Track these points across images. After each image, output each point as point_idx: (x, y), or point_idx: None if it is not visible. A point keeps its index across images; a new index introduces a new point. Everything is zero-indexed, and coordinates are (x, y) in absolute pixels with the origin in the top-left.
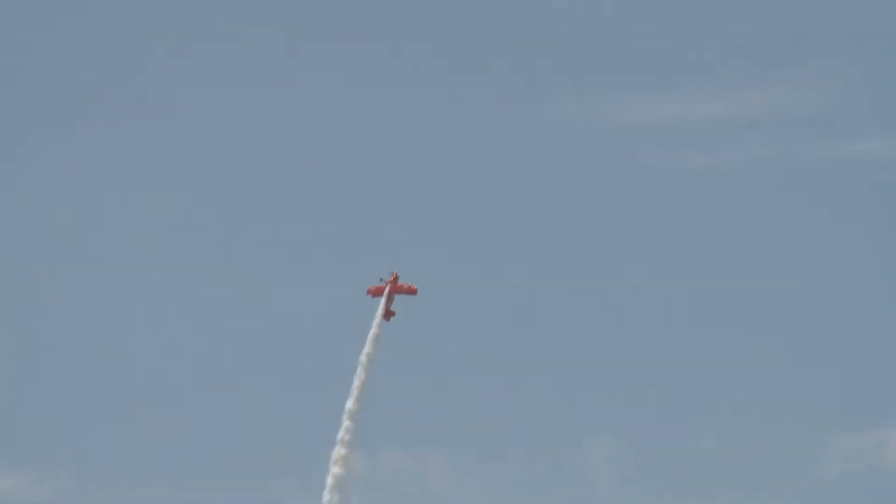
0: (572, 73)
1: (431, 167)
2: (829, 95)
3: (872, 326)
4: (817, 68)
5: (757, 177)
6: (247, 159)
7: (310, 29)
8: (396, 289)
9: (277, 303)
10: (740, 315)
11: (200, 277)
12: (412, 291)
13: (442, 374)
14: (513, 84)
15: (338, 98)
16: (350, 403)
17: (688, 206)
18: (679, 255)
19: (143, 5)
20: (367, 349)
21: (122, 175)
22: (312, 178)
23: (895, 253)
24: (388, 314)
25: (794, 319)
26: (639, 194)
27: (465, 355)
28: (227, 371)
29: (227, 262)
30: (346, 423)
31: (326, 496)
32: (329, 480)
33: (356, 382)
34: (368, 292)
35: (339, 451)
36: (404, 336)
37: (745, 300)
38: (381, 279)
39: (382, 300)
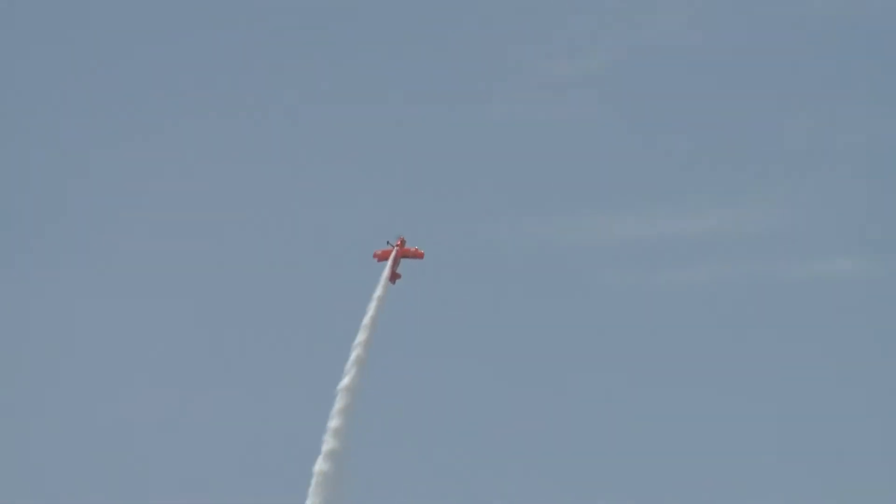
0: (528, 192)
1: None
2: (795, 214)
3: (844, 448)
4: (781, 186)
5: (720, 297)
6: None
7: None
8: (403, 252)
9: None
10: (706, 438)
11: None
12: (419, 256)
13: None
14: (469, 201)
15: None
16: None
17: (647, 327)
18: (642, 378)
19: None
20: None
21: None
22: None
23: (865, 376)
24: (393, 277)
25: (764, 443)
26: (596, 314)
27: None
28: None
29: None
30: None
31: None
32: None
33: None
34: (375, 256)
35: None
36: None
37: (710, 422)
38: (387, 242)
39: (389, 263)
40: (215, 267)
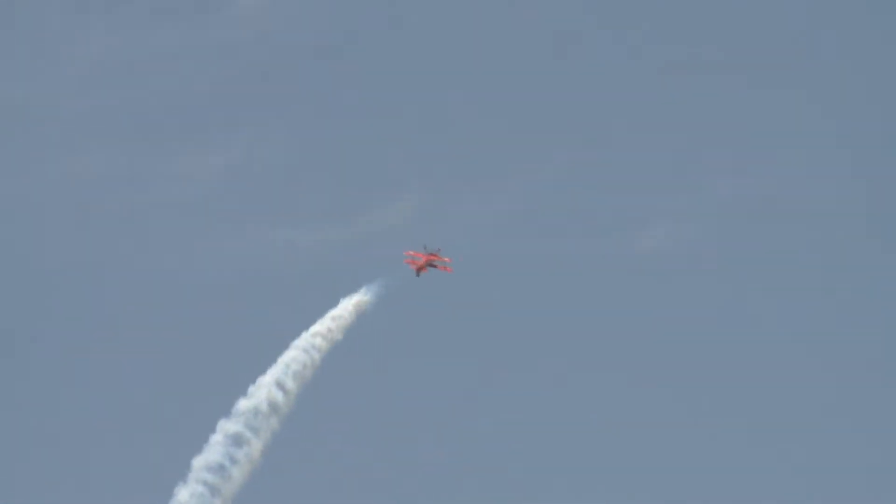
0: None
1: None
2: None
3: None
4: None
5: None
6: None
7: None
8: (433, 258)
9: None
10: None
11: None
12: (446, 269)
13: None
14: None
15: None
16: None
17: None
18: None
19: None
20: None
21: None
22: None
23: None
24: (420, 270)
25: None
26: None
27: None
28: None
29: None
30: None
31: None
32: None
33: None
34: (406, 255)
35: None
36: None
37: None
38: (424, 246)
39: (421, 260)
40: None
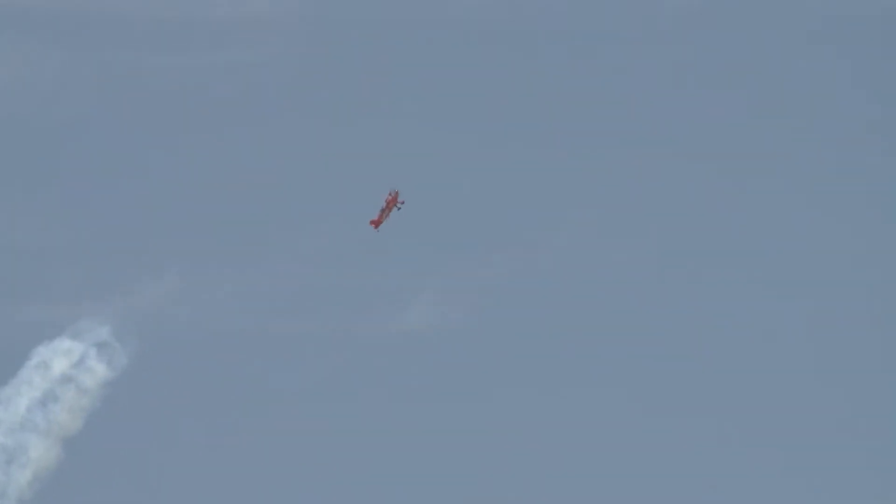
0: None
1: None
2: None
3: None
4: None
5: None
6: None
7: None
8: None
9: None
10: None
11: None
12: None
13: None
14: None
15: None
16: None
17: None
18: None
19: None
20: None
21: None
22: None
23: None
24: (380, 221)
25: None
26: None
27: None
28: None
29: None
30: None
31: None
32: None
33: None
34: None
35: None
36: None
37: None
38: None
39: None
40: None
